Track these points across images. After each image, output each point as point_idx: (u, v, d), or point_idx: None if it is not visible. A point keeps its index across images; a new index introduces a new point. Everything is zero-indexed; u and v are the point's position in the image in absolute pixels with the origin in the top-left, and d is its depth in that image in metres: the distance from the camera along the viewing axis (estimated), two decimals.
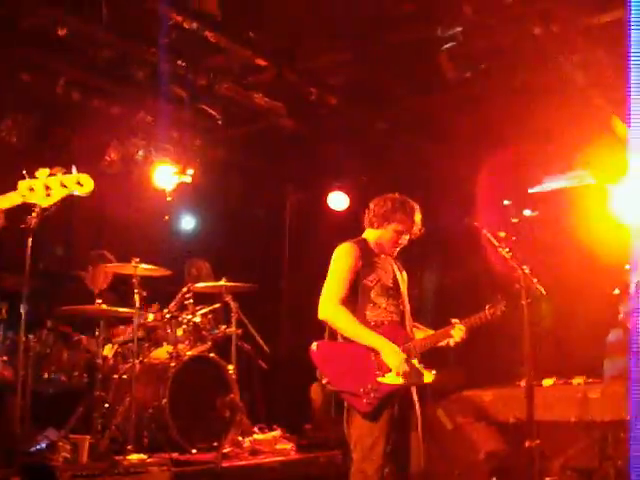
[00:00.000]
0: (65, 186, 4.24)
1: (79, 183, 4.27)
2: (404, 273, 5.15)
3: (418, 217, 5.07)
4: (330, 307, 4.80)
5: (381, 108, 8.19)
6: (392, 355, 4.72)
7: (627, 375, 7.58)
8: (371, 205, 5.15)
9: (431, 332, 4.99)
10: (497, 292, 4.90)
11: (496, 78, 7.19)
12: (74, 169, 4.29)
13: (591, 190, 8.63)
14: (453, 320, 4.90)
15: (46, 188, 4.23)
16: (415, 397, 4.86)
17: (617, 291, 8.05)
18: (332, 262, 4.94)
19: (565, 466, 7.30)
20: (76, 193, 4.29)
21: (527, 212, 9.92)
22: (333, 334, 4.87)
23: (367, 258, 4.95)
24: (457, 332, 4.83)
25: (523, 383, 7.55)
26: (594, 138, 7.79)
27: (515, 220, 9.84)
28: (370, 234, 5.12)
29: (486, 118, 7.82)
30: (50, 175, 4.26)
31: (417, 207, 5.09)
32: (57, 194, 4.25)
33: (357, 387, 4.70)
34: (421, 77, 7.45)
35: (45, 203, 4.27)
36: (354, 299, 4.85)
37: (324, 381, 4.79)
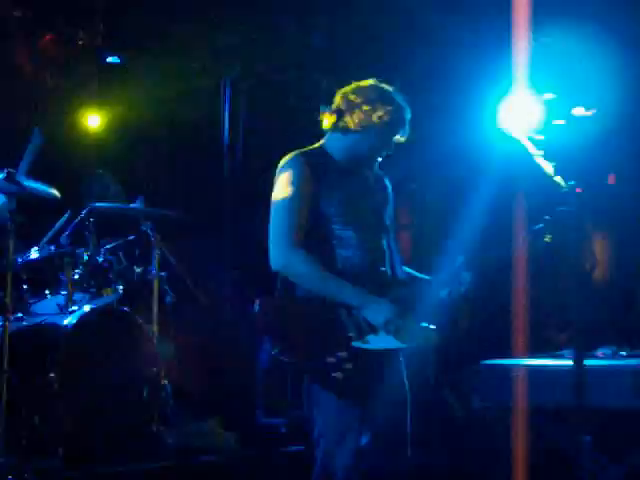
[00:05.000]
0: None
1: None
2: (388, 192, 4.05)
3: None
4: (283, 253, 3.74)
5: None
6: (377, 309, 3.72)
7: None
8: (347, 95, 3.88)
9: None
10: None
11: None
12: None
13: None
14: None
15: None
16: (403, 368, 3.83)
17: None
18: (277, 184, 3.79)
19: None
20: None
21: None
22: (288, 288, 3.80)
23: (328, 175, 3.83)
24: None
25: None
26: None
27: None
28: (338, 140, 3.89)
29: None
30: None
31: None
32: None
33: (322, 357, 3.66)
34: None
35: None
36: (312, 236, 3.78)
37: (274, 351, 3.67)
